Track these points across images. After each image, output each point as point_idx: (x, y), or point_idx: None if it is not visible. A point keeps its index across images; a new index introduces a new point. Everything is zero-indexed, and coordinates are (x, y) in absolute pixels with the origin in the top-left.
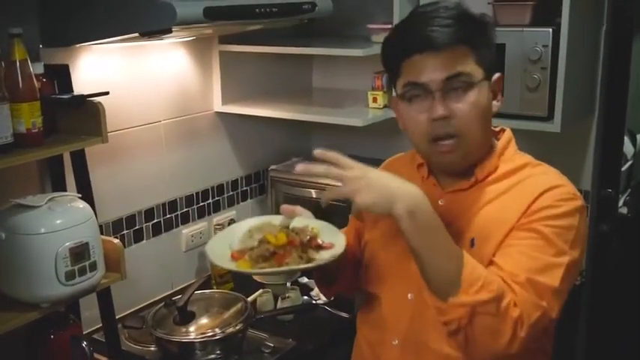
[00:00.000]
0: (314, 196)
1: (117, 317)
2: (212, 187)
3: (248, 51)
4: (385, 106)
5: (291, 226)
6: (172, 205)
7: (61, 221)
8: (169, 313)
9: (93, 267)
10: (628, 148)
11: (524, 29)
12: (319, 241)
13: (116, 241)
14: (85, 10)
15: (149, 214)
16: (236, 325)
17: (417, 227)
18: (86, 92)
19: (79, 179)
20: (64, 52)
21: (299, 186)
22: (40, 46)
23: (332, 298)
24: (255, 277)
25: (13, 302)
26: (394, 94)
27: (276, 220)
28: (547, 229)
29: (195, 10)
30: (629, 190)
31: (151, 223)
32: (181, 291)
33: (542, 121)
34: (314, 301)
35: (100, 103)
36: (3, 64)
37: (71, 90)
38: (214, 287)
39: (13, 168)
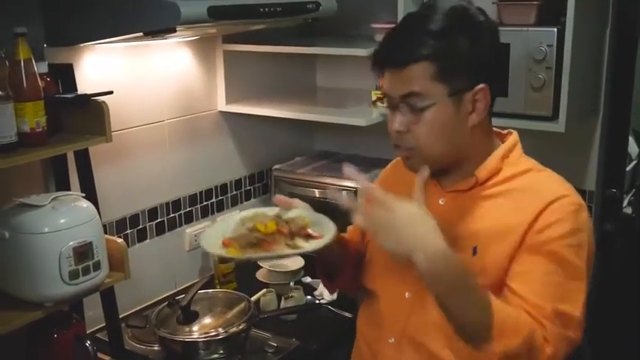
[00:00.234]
0: (317, 195)
1: (120, 316)
2: (216, 187)
3: (252, 50)
4: None
5: (284, 217)
6: (176, 204)
7: (64, 220)
8: (173, 313)
9: (96, 266)
10: (632, 148)
11: (529, 29)
12: (309, 231)
13: (120, 240)
14: (89, 9)
15: (153, 213)
16: (239, 325)
17: (439, 280)
18: (90, 91)
19: (82, 178)
20: (68, 51)
21: (302, 185)
22: (45, 45)
23: (335, 296)
24: (258, 277)
25: (17, 301)
26: None
27: (272, 211)
28: (562, 249)
29: (200, 9)
30: (634, 190)
31: (154, 223)
32: (185, 290)
33: (547, 120)
34: (317, 301)
35: (104, 102)
36: (7, 63)
37: (75, 89)
38: (217, 287)
39: (17, 167)
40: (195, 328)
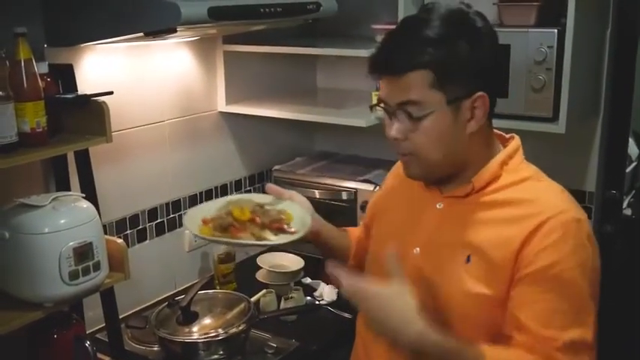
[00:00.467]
0: (317, 196)
1: (120, 317)
2: (216, 187)
3: (252, 51)
4: None
5: (269, 208)
6: (176, 204)
7: (64, 221)
8: (172, 313)
9: (96, 267)
10: (633, 149)
11: (530, 30)
12: (285, 226)
13: (120, 240)
14: (89, 9)
15: (153, 213)
16: (239, 326)
17: (426, 357)
18: (90, 92)
19: (83, 179)
20: (69, 51)
21: (302, 186)
22: (45, 45)
23: (335, 297)
24: (258, 278)
25: (17, 302)
26: None
27: (260, 199)
28: (566, 273)
29: (200, 10)
30: (634, 192)
31: (154, 223)
32: (184, 291)
33: (547, 122)
34: (317, 302)
35: (104, 102)
36: (8, 63)
37: (75, 89)
38: (217, 287)
39: (18, 167)
40: (195, 328)
